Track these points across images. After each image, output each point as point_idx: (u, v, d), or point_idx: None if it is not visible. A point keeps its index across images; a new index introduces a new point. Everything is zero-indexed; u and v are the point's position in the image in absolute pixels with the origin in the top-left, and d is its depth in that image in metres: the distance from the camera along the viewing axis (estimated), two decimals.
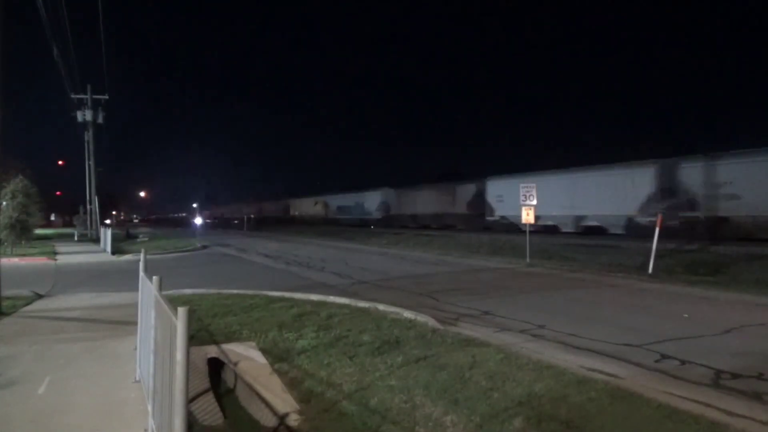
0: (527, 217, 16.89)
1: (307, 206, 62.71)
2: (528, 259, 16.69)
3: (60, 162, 56.72)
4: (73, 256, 22.11)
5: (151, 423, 3.73)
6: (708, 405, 4.53)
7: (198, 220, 70.57)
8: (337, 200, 55.23)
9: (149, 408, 3.93)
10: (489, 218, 32.20)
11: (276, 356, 5.99)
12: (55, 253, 22.63)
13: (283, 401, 4.76)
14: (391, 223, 43.73)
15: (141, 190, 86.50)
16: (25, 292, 10.98)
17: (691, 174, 21.51)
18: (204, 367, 5.67)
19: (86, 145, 34.68)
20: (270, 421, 4.55)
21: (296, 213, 65.63)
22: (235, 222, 67.03)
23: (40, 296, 10.79)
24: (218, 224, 73.26)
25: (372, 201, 47.34)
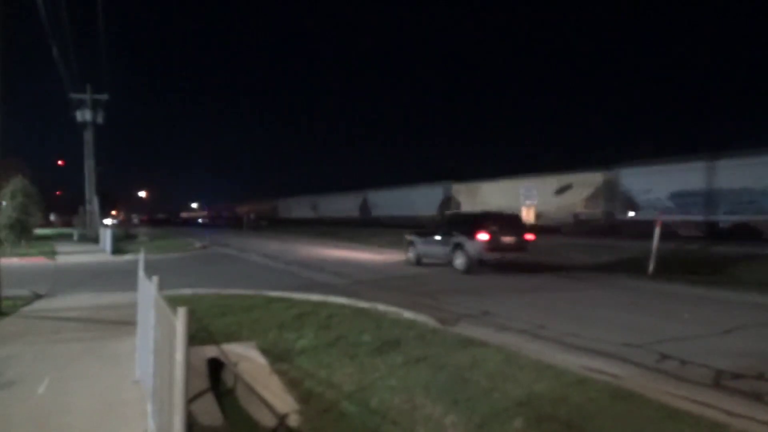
0: (527, 216, 16.86)
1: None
2: None
3: (60, 162, 56.78)
4: (72, 256, 22.09)
5: (150, 423, 3.72)
6: (708, 405, 4.52)
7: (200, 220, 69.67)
8: (656, 177, 23.92)
9: (149, 408, 3.93)
10: None
11: (276, 356, 5.98)
12: (55, 253, 22.60)
13: (283, 401, 4.76)
14: None
15: (141, 190, 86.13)
16: (25, 292, 10.97)
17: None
18: (204, 368, 5.66)
19: (86, 145, 34.67)
20: (270, 421, 4.55)
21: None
22: (262, 222, 58.63)
23: (39, 296, 10.77)
24: (219, 224, 72.32)
25: None
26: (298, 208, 64.03)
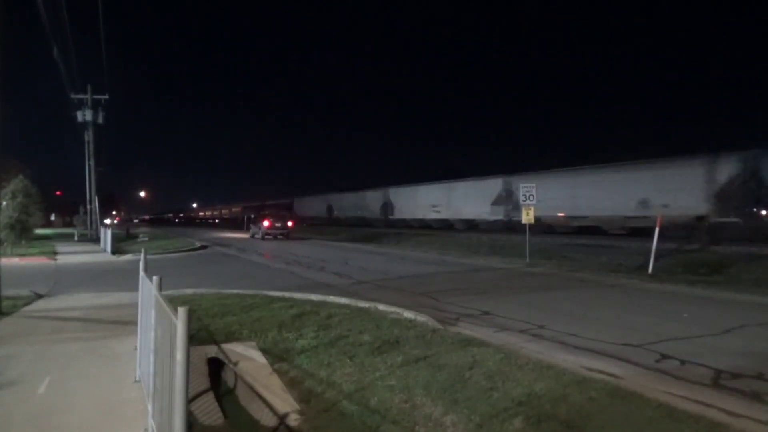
0: (527, 217, 16.90)
1: None
2: (528, 259, 16.69)
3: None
4: (73, 256, 22.10)
5: (151, 423, 3.73)
6: (708, 405, 4.53)
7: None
8: None
9: (149, 408, 3.93)
10: None
11: (276, 356, 5.99)
12: (55, 253, 22.62)
13: (283, 401, 4.77)
14: None
15: (141, 190, 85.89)
16: (25, 292, 10.97)
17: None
18: (204, 367, 5.67)
19: (86, 145, 34.69)
20: (270, 421, 4.55)
21: None
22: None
23: (40, 296, 10.78)
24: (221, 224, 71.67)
25: None
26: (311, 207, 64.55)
